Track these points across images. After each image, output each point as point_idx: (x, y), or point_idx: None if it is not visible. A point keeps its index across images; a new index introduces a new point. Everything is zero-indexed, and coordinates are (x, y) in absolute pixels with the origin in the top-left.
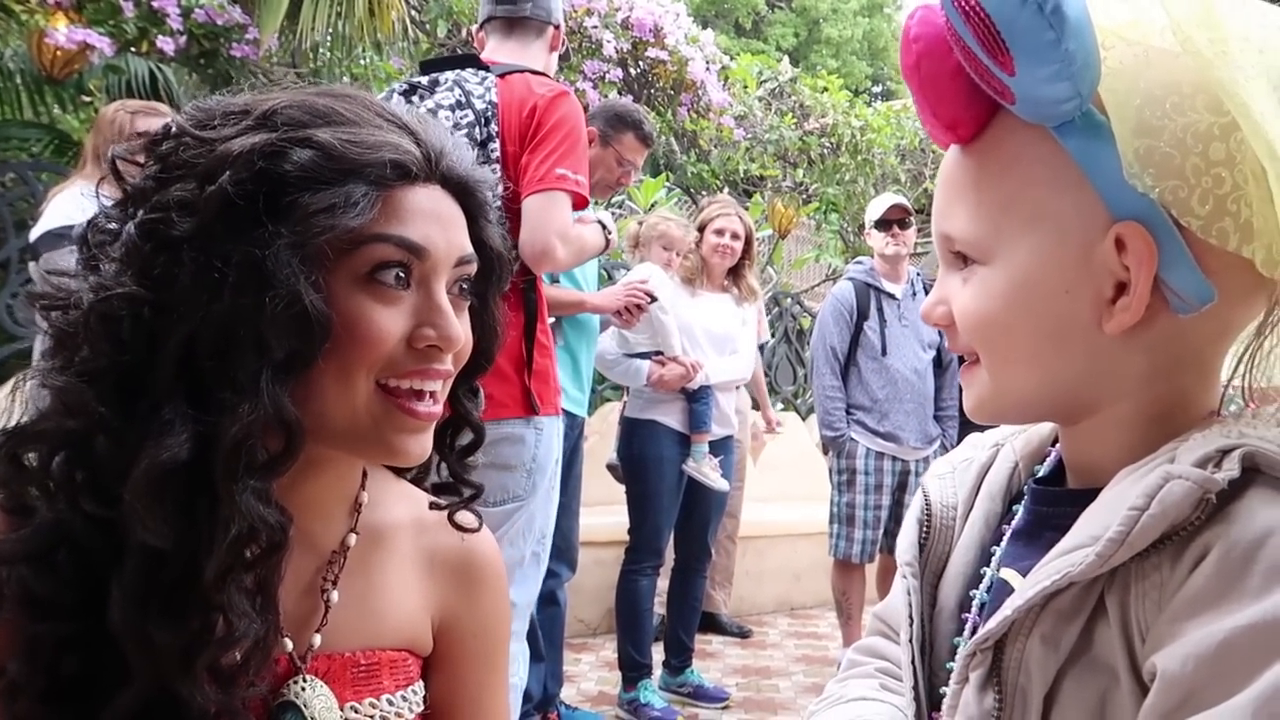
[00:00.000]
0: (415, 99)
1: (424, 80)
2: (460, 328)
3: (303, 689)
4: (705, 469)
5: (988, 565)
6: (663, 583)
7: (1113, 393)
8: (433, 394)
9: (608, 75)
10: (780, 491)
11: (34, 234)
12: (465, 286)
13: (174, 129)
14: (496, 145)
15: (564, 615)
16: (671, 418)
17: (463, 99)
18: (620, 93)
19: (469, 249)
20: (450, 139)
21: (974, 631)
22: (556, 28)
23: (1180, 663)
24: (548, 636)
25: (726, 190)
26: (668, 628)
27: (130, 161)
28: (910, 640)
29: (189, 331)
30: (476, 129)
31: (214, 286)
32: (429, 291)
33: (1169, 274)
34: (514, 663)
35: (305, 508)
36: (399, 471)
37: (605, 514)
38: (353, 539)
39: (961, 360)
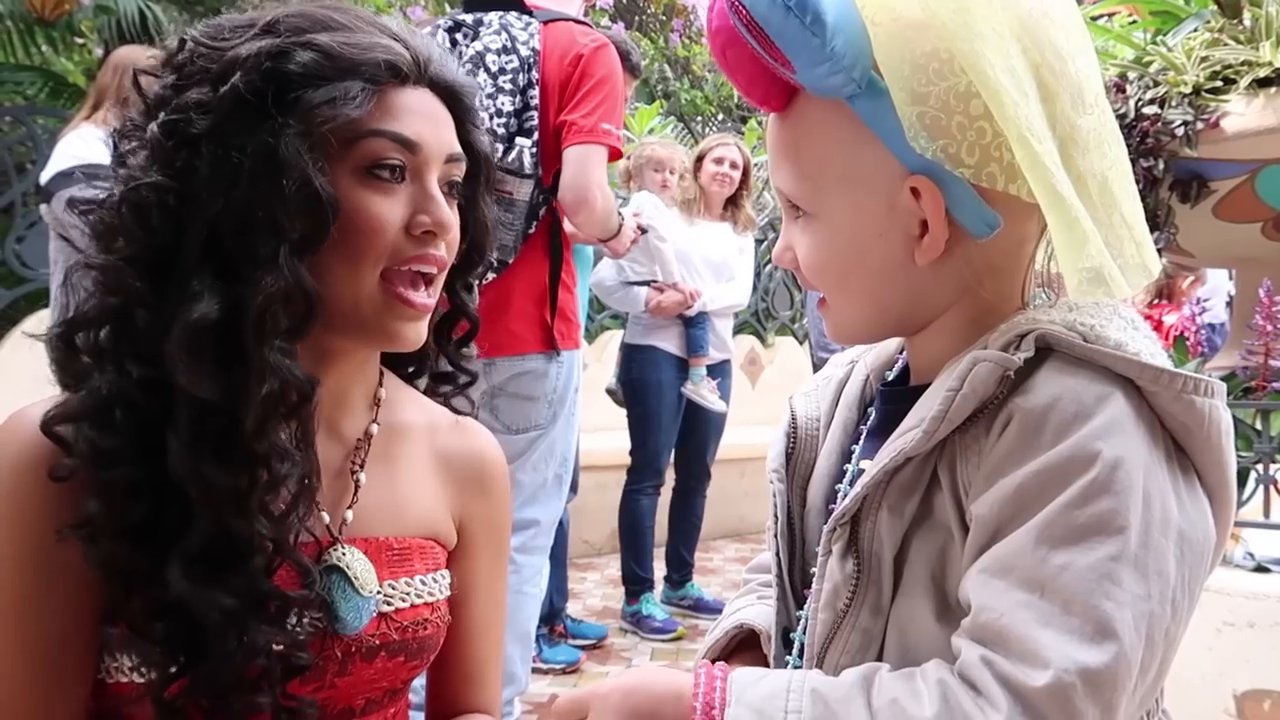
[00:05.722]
0: (460, 37)
1: (468, 19)
2: (451, 214)
3: (344, 554)
4: (703, 391)
5: (849, 464)
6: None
7: (936, 309)
8: (429, 283)
9: (597, 3)
10: (778, 414)
11: (44, 177)
12: (454, 184)
13: (188, 42)
14: (536, 92)
15: (568, 534)
16: (669, 343)
17: (509, 44)
18: (612, 20)
19: (457, 148)
20: (438, 49)
21: None
22: None
23: (988, 507)
24: (553, 554)
25: (721, 116)
26: (669, 544)
27: (151, 74)
28: (776, 535)
29: (212, 216)
30: (520, 75)
31: (232, 175)
32: (422, 183)
33: (958, 213)
34: (537, 576)
35: (329, 399)
36: (402, 374)
37: (606, 439)
38: (375, 428)
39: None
